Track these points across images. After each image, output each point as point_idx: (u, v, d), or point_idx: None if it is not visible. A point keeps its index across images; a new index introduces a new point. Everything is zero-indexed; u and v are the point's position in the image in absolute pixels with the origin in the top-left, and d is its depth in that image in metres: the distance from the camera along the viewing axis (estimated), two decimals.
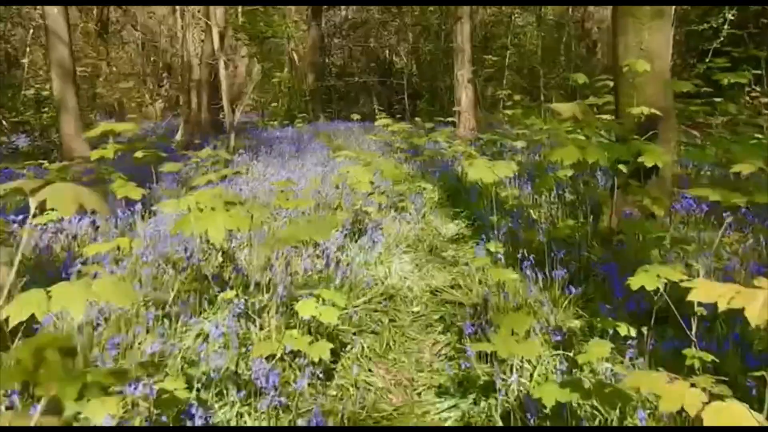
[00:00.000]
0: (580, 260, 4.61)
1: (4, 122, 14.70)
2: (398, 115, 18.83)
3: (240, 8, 23.25)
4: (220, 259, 4.56)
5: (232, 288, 3.82)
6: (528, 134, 11.08)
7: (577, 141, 4.57)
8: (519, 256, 4.48)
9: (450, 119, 13.43)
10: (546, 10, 28.25)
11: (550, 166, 8.67)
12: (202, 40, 14.75)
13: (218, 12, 13.86)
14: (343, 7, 29.96)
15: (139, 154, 6.86)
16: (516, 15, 27.16)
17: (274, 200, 5.82)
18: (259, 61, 25.45)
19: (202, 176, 6.98)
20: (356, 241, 5.63)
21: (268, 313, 3.53)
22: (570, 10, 28.36)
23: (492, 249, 4.61)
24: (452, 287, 4.93)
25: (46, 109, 13.84)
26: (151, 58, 30.74)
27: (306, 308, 3.06)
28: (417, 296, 4.82)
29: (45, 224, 5.56)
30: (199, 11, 14.22)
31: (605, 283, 4.29)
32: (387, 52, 28.85)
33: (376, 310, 4.35)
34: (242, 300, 3.59)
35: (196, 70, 14.34)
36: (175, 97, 15.45)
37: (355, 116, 14.47)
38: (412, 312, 4.52)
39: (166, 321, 3.58)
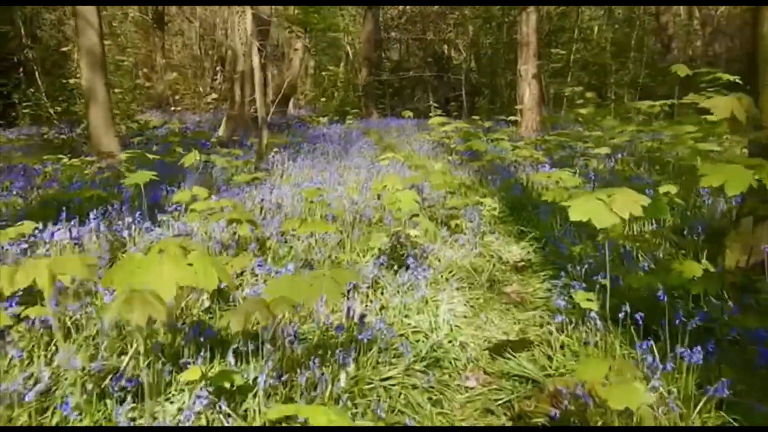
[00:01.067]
0: (713, 326, 3.19)
1: (50, 112, 14.05)
2: (455, 113, 17.44)
3: None
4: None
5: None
6: (603, 137, 9.56)
7: (736, 158, 3.14)
8: (621, 314, 3.10)
9: (511, 118, 11.96)
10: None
11: (634, 177, 7.18)
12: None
13: None
14: None
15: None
16: (582, 9, 25.33)
17: (284, 223, 4.57)
18: (313, 55, 24.42)
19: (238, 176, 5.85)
20: (395, 272, 4.35)
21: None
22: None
23: (582, 302, 3.25)
24: (521, 344, 3.59)
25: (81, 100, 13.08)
26: (207, 51, 30.15)
27: None
28: (472, 359, 3.50)
29: None
30: None
31: (752, 359, 2.89)
32: (445, 46, 27.40)
33: (414, 386, 3.06)
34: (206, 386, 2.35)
35: (241, 61, 13.29)
36: (228, 89, 14.75)
37: (407, 113, 13.16)
38: (466, 388, 3.20)
39: None
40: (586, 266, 4.20)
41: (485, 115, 16.32)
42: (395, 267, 4.47)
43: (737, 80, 6.34)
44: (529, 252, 5.59)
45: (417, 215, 4.21)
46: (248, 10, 7.71)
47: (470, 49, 22.49)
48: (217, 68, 27.69)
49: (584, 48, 22.14)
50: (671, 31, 23.36)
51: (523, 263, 5.40)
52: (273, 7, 13.64)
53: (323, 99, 25.46)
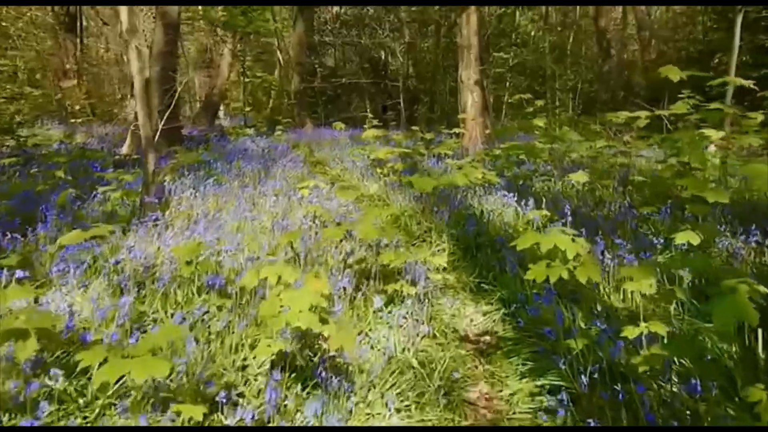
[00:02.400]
0: None
1: None
2: (393, 122, 15.94)
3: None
4: None
5: None
6: (562, 151, 8.18)
7: None
8: None
9: (454, 130, 10.47)
10: (552, 8, 25.41)
11: (619, 214, 5.78)
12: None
13: None
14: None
15: None
16: (520, 12, 24.30)
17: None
18: (241, 61, 22.53)
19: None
20: (300, 392, 2.72)
21: None
22: (577, 8, 25.53)
23: None
24: None
25: None
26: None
27: None
28: None
29: None
30: None
31: None
32: (382, 51, 25.90)
33: None
34: None
35: (152, 67, 11.39)
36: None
37: (339, 125, 11.54)
38: None
39: None
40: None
41: (425, 124, 14.88)
42: (301, 383, 2.83)
43: (753, 86, 5.00)
44: (495, 320, 4.04)
45: (324, 320, 2.57)
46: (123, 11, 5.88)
47: (407, 54, 21.01)
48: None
49: (522, 53, 21.08)
50: (610, 35, 22.55)
51: (488, 339, 3.85)
52: (184, 6, 11.76)
53: (250, 108, 23.57)
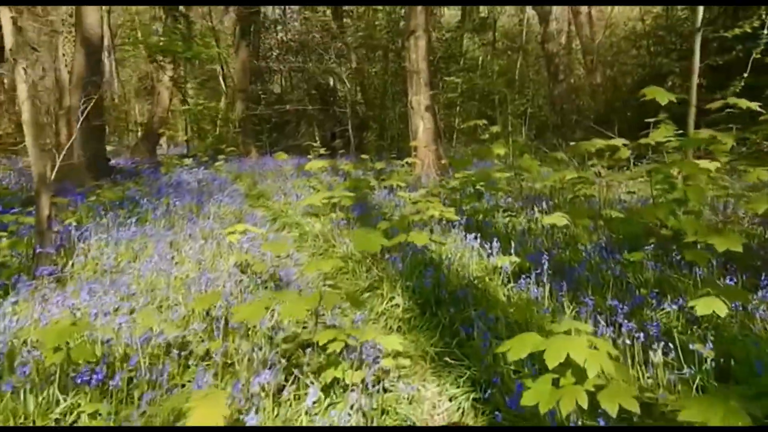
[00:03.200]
0: None
1: None
2: (341, 150, 15.09)
3: (159, 25, 19.27)
4: None
5: None
6: (520, 180, 7.45)
7: None
8: None
9: (406, 160, 9.66)
10: (499, 33, 25.19)
11: (604, 265, 4.99)
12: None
13: (90, 15, 9.90)
14: (279, 27, 26.22)
15: None
16: (468, 37, 23.92)
17: None
18: (180, 88, 21.39)
19: None
20: None
21: None
22: (524, 32, 25.36)
23: None
24: None
25: None
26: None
27: None
28: None
29: None
30: (70, 15, 10.22)
31: None
32: (330, 77, 25.09)
33: None
34: None
35: (67, 94, 10.27)
36: (55, 132, 11.38)
37: (282, 155, 10.56)
38: None
39: None
40: None
41: (375, 152, 14.07)
42: None
43: (759, 108, 4.32)
44: (463, 408, 3.16)
45: None
46: (5, 14, 4.85)
47: (355, 80, 20.25)
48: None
49: (471, 78, 20.59)
50: (557, 59, 22.34)
51: None
52: (104, 23, 10.69)
53: (193, 137, 22.38)
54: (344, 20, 21.38)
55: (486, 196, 7.64)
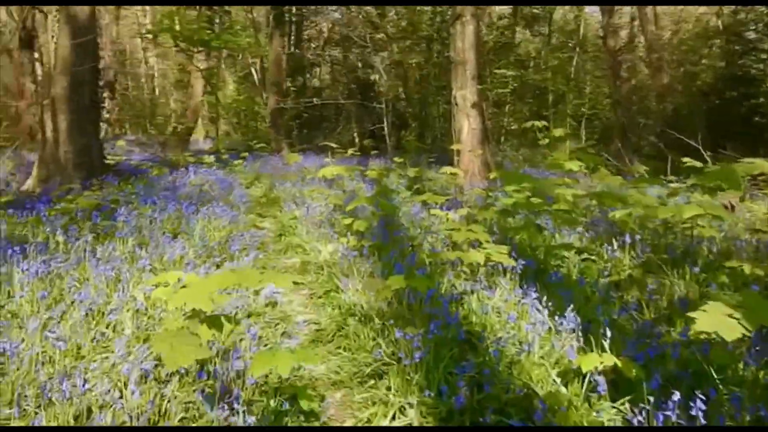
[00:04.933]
0: None
1: None
2: (374, 152, 13.31)
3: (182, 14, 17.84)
4: None
5: None
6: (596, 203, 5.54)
7: None
8: None
9: (446, 169, 7.77)
10: (554, 26, 22.94)
11: None
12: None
13: None
14: (319, 18, 24.57)
15: None
16: (519, 31, 21.77)
17: None
18: (206, 79, 19.96)
19: None
20: None
21: None
22: (581, 26, 23.05)
23: None
24: None
25: None
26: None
27: None
28: None
29: None
30: None
31: None
32: (371, 71, 23.34)
33: None
34: None
35: (59, 81, 8.73)
36: (38, 121, 9.82)
37: (295, 157, 8.71)
38: None
39: None
40: None
41: (413, 154, 12.24)
42: None
43: None
44: None
45: None
46: None
47: (394, 72, 18.39)
48: (104, 94, 22.74)
49: (524, 74, 18.51)
50: (620, 56, 20.05)
51: None
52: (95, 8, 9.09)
53: (225, 131, 20.94)
54: (386, 7, 19.53)
55: (547, 221, 5.74)
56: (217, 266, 5.24)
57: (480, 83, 11.14)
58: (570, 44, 21.40)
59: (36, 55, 19.49)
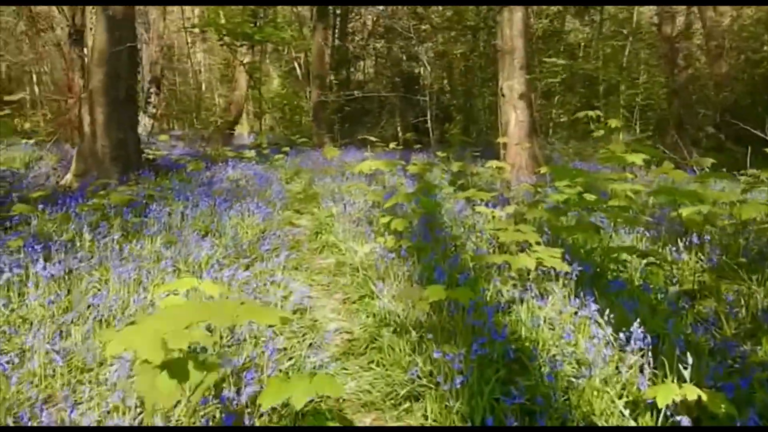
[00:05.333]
0: None
1: None
2: (417, 145, 12.87)
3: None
4: None
5: None
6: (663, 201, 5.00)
7: None
8: None
9: (492, 163, 7.27)
10: (606, 14, 21.94)
11: None
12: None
13: None
14: (363, 10, 24.17)
15: None
16: (569, 20, 20.90)
17: None
18: (249, 73, 19.83)
19: None
20: None
21: None
22: (635, 13, 21.97)
23: None
24: None
25: None
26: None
27: None
28: None
29: None
30: None
31: None
32: (415, 63, 22.83)
33: None
34: None
35: (94, 74, 8.59)
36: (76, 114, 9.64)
37: (333, 151, 8.24)
38: None
39: None
40: None
41: (457, 147, 11.75)
42: None
43: None
44: None
45: None
46: None
47: (438, 64, 17.86)
48: (151, 89, 22.89)
49: (574, 63, 17.69)
50: (676, 45, 19.03)
51: None
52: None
53: (271, 125, 20.78)
54: None
55: (602, 219, 5.23)
56: (246, 267, 4.93)
57: (528, 73, 10.56)
58: (623, 32, 20.46)
59: (85, 50, 19.66)
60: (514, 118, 10.25)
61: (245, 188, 8.37)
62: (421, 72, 20.17)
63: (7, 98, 11.94)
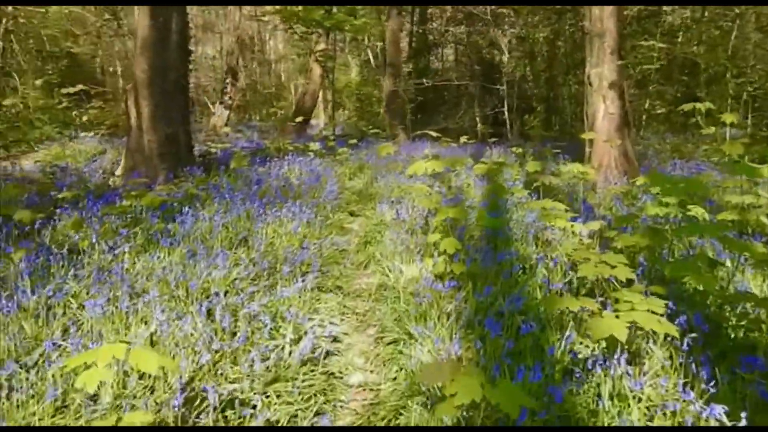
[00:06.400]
0: None
1: None
2: (493, 138, 11.73)
3: None
4: None
5: None
6: None
7: None
8: None
9: (574, 167, 6.09)
10: None
11: None
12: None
13: None
14: None
15: None
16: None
17: None
18: (322, 62, 19.15)
19: None
20: None
21: None
22: None
23: None
24: None
25: None
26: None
27: None
28: None
29: None
30: None
31: None
32: (496, 50, 21.47)
33: None
34: None
35: (137, 63, 8.03)
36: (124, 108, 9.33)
37: (388, 148, 7.22)
38: None
39: None
40: None
41: (536, 142, 10.55)
42: None
43: None
44: None
45: None
46: None
47: (520, 49, 16.49)
48: (227, 80, 22.72)
49: (670, 49, 15.80)
50: None
51: None
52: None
53: (348, 116, 20.08)
54: None
55: (716, 247, 4.05)
56: (271, 288, 4.12)
57: (620, 59, 9.24)
58: (732, 12, 18.28)
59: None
60: (603, 109, 8.98)
61: (298, 186, 7.58)
62: (501, 59, 18.83)
63: (64, 90, 11.80)
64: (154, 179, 7.99)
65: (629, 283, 3.22)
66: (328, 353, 3.31)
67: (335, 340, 3.55)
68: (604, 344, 2.86)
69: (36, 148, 12.47)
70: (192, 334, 2.98)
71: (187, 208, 5.76)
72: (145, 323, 3.15)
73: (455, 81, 18.06)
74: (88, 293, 3.59)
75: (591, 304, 2.91)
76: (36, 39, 13.99)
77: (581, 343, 2.99)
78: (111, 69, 15.89)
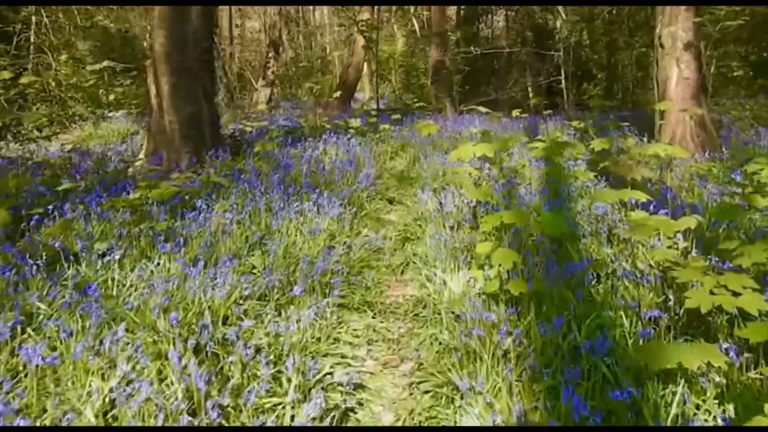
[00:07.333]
0: None
1: None
2: (548, 111, 10.57)
3: None
4: None
5: None
6: None
7: None
8: None
9: (653, 147, 5.03)
10: None
11: None
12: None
13: None
14: None
15: None
16: None
17: None
18: (364, 32, 18.14)
19: None
20: None
21: None
22: None
23: None
24: None
25: None
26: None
27: None
28: None
29: None
30: None
31: None
32: (549, 15, 19.99)
33: None
34: None
35: (155, 37, 7.30)
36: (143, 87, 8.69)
37: (429, 127, 6.13)
38: None
39: None
40: None
41: (597, 114, 9.41)
42: None
43: None
44: None
45: None
46: None
47: (576, 11, 15.06)
48: (269, 54, 21.97)
49: (754, 5, 14.09)
50: None
51: None
52: None
53: (394, 89, 19.09)
54: None
55: None
56: (285, 306, 3.33)
57: (696, 15, 8.00)
58: None
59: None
60: (677, 74, 7.82)
61: (329, 173, 6.74)
62: (556, 24, 17.40)
63: (90, 67, 11.23)
64: (177, 163, 7.30)
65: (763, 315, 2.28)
66: (345, 411, 2.49)
67: (357, 386, 2.72)
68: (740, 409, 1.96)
69: (71, 127, 12.04)
70: (157, 397, 2.20)
71: (200, 201, 5.03)
72: (103, 377, 2.38)
73: (506, 49, 16.71)
74: (50, 317, 2.87)
75: (718, 358, 1.99)
76: (65, 12, 13.49)
77: (698, 406, 2.09)
78: (144, 44, 15.35)
